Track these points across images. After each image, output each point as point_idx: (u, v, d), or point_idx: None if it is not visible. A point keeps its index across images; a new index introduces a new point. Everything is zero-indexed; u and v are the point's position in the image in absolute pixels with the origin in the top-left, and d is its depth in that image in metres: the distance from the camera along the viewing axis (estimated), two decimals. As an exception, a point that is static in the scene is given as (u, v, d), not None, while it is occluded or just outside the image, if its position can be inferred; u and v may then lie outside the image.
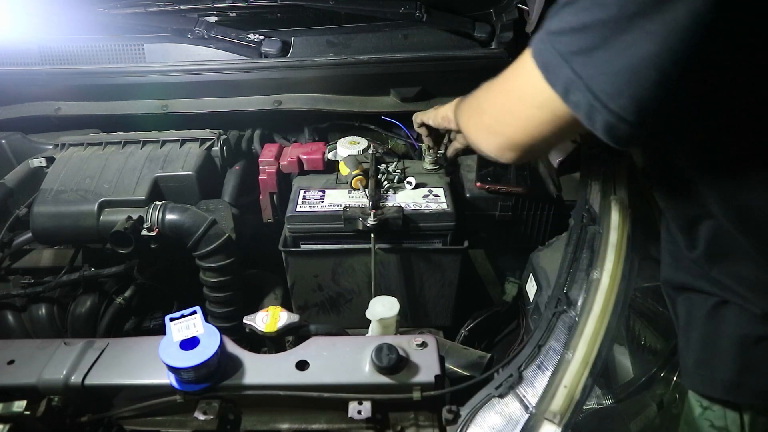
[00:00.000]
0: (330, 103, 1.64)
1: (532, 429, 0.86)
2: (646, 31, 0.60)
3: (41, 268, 1.47)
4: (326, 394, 0.87)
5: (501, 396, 0.91)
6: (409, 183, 1.38)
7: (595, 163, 1.35)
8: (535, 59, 0.72)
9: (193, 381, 0.87)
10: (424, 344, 0.92)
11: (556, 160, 1.48)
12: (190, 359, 0.84)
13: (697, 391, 0.93)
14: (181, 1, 1.62)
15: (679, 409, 1.00)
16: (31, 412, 0.84)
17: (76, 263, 1.44)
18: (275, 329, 1.03)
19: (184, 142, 1.50)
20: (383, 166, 1.43)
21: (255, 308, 1.10)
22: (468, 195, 1.42)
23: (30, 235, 1.36)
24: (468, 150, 1.36)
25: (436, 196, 1.35)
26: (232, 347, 0.94)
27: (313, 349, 0.94)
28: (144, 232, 1.26)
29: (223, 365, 0.90)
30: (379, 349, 0.88)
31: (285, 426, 0.92)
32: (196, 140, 1.51)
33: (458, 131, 1.24)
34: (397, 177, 1.40)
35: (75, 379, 0.90)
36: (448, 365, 1.15)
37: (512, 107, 0.80)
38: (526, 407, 0.89)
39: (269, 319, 1.04)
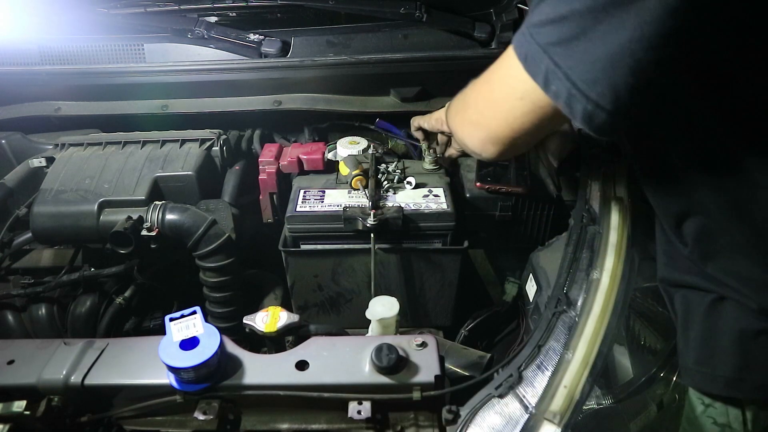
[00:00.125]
0: (330, 103, 1.64)
1: (532, 429, 0.86)
2: (620, 19, 0.61)
3: (41, 268, 1.47)
4: (326, 394, 0.87)
5: (501, 396, 0.91)
6: (409, 183, 1.38)
7: (595, 163, 1.35)
8: (516, 52, 0.74)
9: (193, 381, 0.87)
10: (424, 344, 0.92)
11: (556, 160, 1.48)
12: (190, 359, 0.84)
13: (698, 389, 0.93)
14: (181, 1, 1.62)
15: (679, 408, 1.00)
16: (31, 412, 0.84)
17: (76, 263, 1.44)
18: (275, 329, 1.03)
19: (184, 142, 1.50)
20: (383, 166, 1.44)
21: (255, 308, 1.10)
22: (468, 195, 1.42)
23: (30, 235, 1.35)
24: (464, 153, 1.37)
25: (436, 196, 1.35)
26: (232, 347, 0.94)
27: (313, 349, 0.94)
28: (144, 232, 1.26)
29: (223, 365, 0.90)
30: (379, 349, 0.88)
31: (285, 426, 0.92)
32: (196, 140, 1.51)
33: (449, 134, 1.25)
34: (397, 177, 1.40)
35: (75, 379, 0.90)
36: (448, 365, 1.15)
37: (495, 100, 0.81)
38: (525, 407, 0.89)
39: (269, 319, 1.04)
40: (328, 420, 0.91)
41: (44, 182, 1.38)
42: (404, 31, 1.61)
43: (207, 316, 1.36)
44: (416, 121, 1.43)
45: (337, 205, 1.32)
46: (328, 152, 1.51)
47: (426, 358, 0.90)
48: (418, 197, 1.35)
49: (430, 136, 1.43)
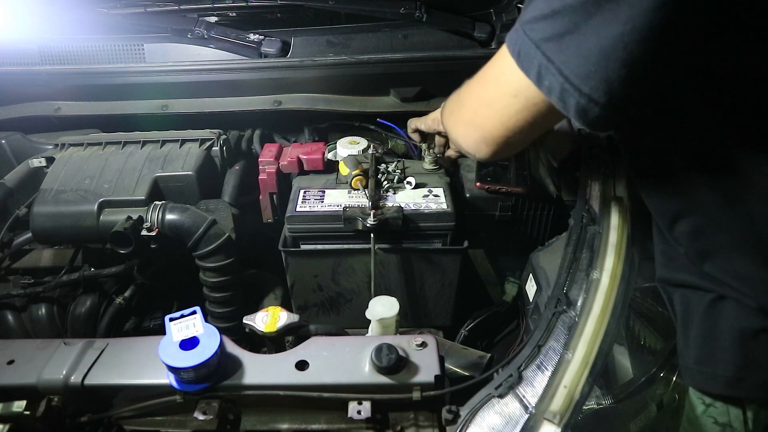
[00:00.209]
0: (330, 103, 1.64)
1: (532, 429, 0.86)
2: (613, 13, 0.62)
3: (41, 268, 1.47)
4: (326, 394, 0.87)
5: (501, 396, 0.91)
6: (409, 183, 1.38)
7: (595, 163, 1.35)
8: (509, 49, 0.74)
9: (192, 381, 0.87)
10: (423, 344, 0.92)
11: (556, 160, 1.48)
12: (190, 359, 0.84)
13: (698, 389, 0.93)
14: (181, 1, 1.62)
15: (679, 408, 1.00)
16: (30, 412, 0.84)
17: (76, 263, 1.44)
18: (275, 329, 1.03)
19: (184, 142, 1.50)
20: (383, 166, 1.44)
21: (255, 308, 1.10)
22: (468, 195, 1.42)
23: (30, 235, 1.35)
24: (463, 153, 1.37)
25: (436, 196, 1.35)
26: (232, 347, 0.94)
27: (313, 349, 0.94)
28: (144, 232, 1.26)
29: (222, 365, 0.90)
30: (378, 349, 0.88)
31: (285, 426, 0.92)
32: (196, 140, 1.51)
33: (446, 135, 1.25)
34: (397, 177, 1.40)
35: (75, 379, 0.90)
36: (447, 365, 1.15)
37: (489, 98, 0.81)
38: (525, 407, 0.89)
39: (269, 319, 1.04)
40: (328, 420, 0.91)
41: (44, 182, 1.38)
42: (404, 31, 1.61)
43: (207, 316, 1.36)
44: (413, 123, 1.43)
45: (337, 205, 1.32)
46: (328, 152, 1.51)
47: (426, 358, 0.90)
48: (418, 197, 1.35)
49: (427, 137, 1.43)
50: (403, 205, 1.31)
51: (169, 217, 1.28)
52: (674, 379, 1.04)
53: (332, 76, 1.61)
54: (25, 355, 0.94)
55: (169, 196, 1.40)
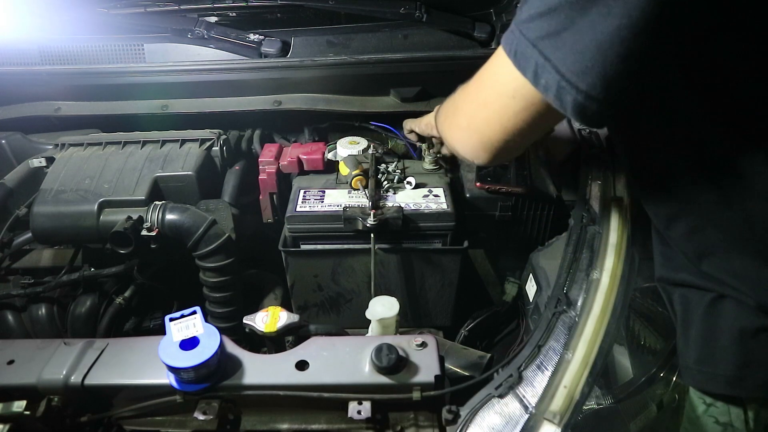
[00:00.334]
0: (330, 103, 1.64)
1: (532, 429, 0.86)
2: (608, 7, 0.62)
3: (41, 268, 1.47)
4: (326, 394, 0.87)
5: (501, 396, 0.91)
6: (409, 183, 1.38)
7: (595, 163, 1.35)
8: (505, 50, 0.73)
9: (192, 381, 0.87)
10: (423, 344, 0.93)
11: (556, 160, 1.48)
12: (190, 359, 0.84)
13: (699, 388, 0.93)
14: (181, 1, 1.62)
15: (679, 408, 1.00)
16: (30, 412, 0.84)
17: (76, 263, 1.44)
18: (275, 329, 1.03)
19: (184, 142, 1.50)
20: (383, 166, 1.44)
21: (255, 308, 1.10)
22: (468, 195, 1.42)
23: (30, 235, 1.35)
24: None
25: (436, 196, 1.35)
26: (232, 347, 0.94)
27: (313, 349, 0.94)
28: (144, 232, 1.26)
29: (222, 365, 0.90)
30: (378, 349, 0.88)
31: (285, 426, 0.92)
32: (196, 140, 1.51)
33: (440, 139, 1.25)
34: (397, 177, 1.40)
35: (75, 379, 0.90)
36: (447, 365, 1.15)
37: (486, 101, 0.80)
38: (525, 407, 0.89)
39: (269, 319, 1.04)
40: (328, 420, 0.91)
41: (44, 182, 1.38)
42: (404, 31, 1.61)
43: (207, 316, 1.36)
44: (407, 125, 1.43)
45: (337, 205, 1.32)
46: (328, 152, 1.51)
47: (426, 358, 0.90)
48: (418, 197, 1.35)
49: (424, 138, 1.43)
50: (403, 205, 1.31)
51: (169, 217, 1.28)
52: (674, 379, 1.04)
53: (332, 76, 1.61)
54: (25, 355, 0.95)
55: (169, 196, 1.40)
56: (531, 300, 1.29)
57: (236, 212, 1.43)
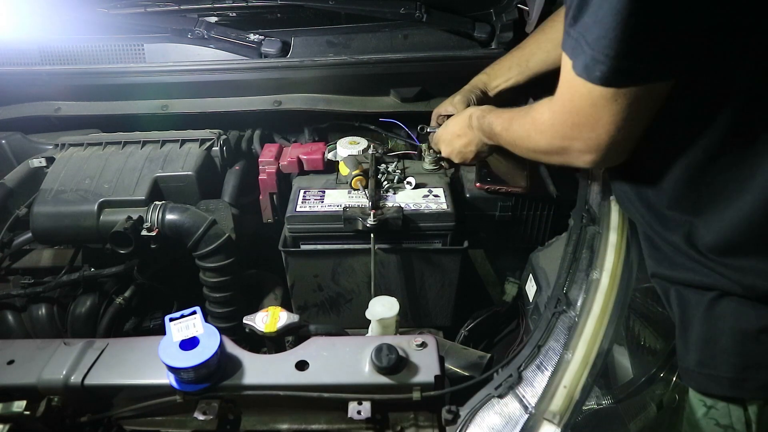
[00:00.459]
0: (330, 103, 1.64)
1: (532, 429, 0.86)
2: None
3: (41, 268, 1.47)
4: (326, 395, 0.87)
5: (500, 396, 0.91)
6: (409, 183, 1.38)
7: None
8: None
9: (192, 381, 0.87)
10: (423, 344, 0.92)
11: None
12: (190, 359, 0.84)
13: (700, 391, 0.93)
14: (181, 1, 1.62)
15: (679, 409, 1.00)
16: (30, 412, 0.84)
17: (76, 263, 1.44)
18: (275, 329, 1.03)
19: (184, 142, 1.50)
20: (383, 166, 1.44)
21: (255, 308, 1.10)
22: (468, 195, 1.42)
23: (30, 235, 1.36)
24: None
25: (436, 196, 1.35)
26: (232, 347, 0.94)
27: (313, 349, 0.94)
28: (144, 233, 1.26)
29: (222, 365, 0.90)
30: (378, 350, 0.88)
31: (285, 426, 0.92)
32: (196, 140, 1.51)
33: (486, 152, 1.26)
34: (397, 177, 1.40)
35: (75, 379, 0.90)
36: (447, 365, 1.15)
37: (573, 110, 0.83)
38: (525, 407, 0.89)
39: (269, 319, 1.04)
40: (328, 420, 0.91)
41: (44, 182, 1.38)
42: (404, 31, 1.61)
43: (207, 316, 1.36)
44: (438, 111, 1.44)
45: (337, 205, 1.32)
46: (328, 152, 1.52)
47: (426, 358, 0.90)
48: (418, 197, 1.35)
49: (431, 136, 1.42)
50: (403, 205, 1.31)
51: (169, 217, 1.28)
52: (674, 379, 1.03)
53: (332, 76, 1.61)
54: (25, 355, 0.95)
55: (169, 196, 1.40)
56: (531, 300, 1.29)
57: (236, 212, 1.43)
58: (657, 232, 0.94)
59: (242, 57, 1.60)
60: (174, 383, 0.88)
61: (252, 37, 1.59)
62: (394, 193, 1.37)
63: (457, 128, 1.27)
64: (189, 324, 0.89)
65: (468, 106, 1.36)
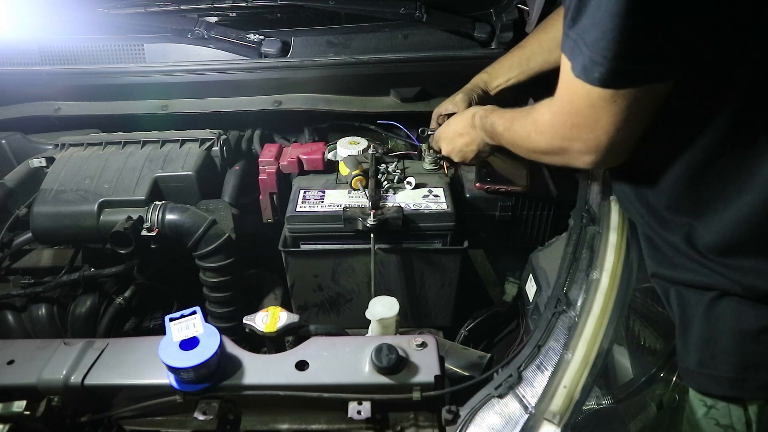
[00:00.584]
0: (330, 103, 1.64)
1: (532, 429, 0.86)
2: None
3: (41, 268, 1.47)
4: (326, 395, 0.87)
5: (500, 396, 0.91)
6: (409, 183, 1.38)
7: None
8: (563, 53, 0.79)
9: (192, 381, 0.87)
10: (423, 344, 0.92)
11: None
12: (190, 359, 0.84)
13: (701, 391, 0.93)
14: (181, 1, 1.62)
15: (679, 408, 1.00)
16: (30, 412, 0.84)
17: (76, 263, 1.44)
18: (275, 329, 1.03)
19: (184, 142, 1.50)
20: (383, 166, 1.44)
21: (255, 308, 1.10)
22: (468, 195, 1.42)
23: (30, 235, 1.36)
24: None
25: (436, 196, 1.35)
26: (232, 347, 0.94)
27: (313, 349, 0.94)
28: (144, 233, 1.26)
29: (222, 365, 0.90)
30: (378, 350, 0.88)
31: (285, 426, 0.92)
32: (196, 140, 1.51)
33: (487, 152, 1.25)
34: (397, 177, 1.40)
35: (75, 379, 0.90)
36: (447, 365, 1.15)
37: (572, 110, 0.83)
38: (525, 407, 0.89)
39: (269, 319, 1.04)
40: (328, 420, 0.91)
41: (44, 182, 1.38)
42: (404, 31, 1.61)
43: (207, 316, 1.36)
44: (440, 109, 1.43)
45: (337, 205, 1.32)
46: (328, 152, 1.52)
47: (426, 358, 0.90)
48: (418, 197, 1.35)
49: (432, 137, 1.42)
50: (403, 205, 1.31)
51: (169, 217, 1.28)
52: (674, 379, 1.03)
53: (332, 76, 1.61)
54: (25, 355, 0.95)
55: (169, 196, 1.40)
56: (531, 300, 1.29)
57: (236, 212, 1.43)
58: (657, 233, 0.94)
59: (242, 57, 1.60)
60: (174, 383, 0.88)
61: (252, 37, 1.59)
62: (394, 193, 1.37)
63: (460, 127, 1.27)
64: (189, 324, 0.89)
65: (469, 105, 1.36)
